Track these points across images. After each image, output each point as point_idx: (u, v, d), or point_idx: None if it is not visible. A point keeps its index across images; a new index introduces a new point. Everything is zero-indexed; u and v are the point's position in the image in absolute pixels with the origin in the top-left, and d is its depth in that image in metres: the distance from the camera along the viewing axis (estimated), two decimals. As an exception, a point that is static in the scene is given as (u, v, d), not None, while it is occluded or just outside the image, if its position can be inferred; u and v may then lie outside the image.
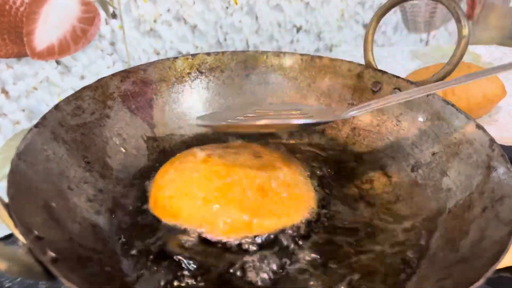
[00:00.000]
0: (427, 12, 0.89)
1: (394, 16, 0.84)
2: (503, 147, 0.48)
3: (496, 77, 0.55)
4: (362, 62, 0.47)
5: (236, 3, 0.65)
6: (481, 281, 0.25)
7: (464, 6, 0.95)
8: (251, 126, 0.37)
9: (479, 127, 0.38)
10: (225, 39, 0.67)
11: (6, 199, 0.28)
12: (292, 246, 0.34)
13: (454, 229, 0.34)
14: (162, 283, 0.31)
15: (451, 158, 0.39)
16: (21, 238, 0.25)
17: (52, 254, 0.26)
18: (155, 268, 0.32)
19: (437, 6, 0.87)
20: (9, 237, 0.40)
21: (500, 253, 0.27)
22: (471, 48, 0.73)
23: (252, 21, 0.68)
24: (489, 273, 0.25)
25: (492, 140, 0.36)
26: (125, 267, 0.32)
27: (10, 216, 0.26)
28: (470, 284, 0.25)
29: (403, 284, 0.31)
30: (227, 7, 0.64)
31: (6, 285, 0.39)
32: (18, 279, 0.39)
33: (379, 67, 0.46)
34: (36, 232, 0.27)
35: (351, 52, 0.73)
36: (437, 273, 0.31)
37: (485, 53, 0.71)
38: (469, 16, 0.96)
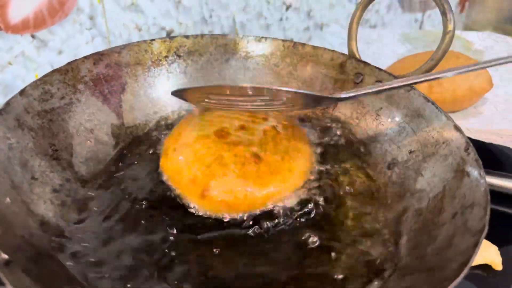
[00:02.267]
0: (423, -9, 0.86)
1: (388, -5, 0.81)
2: (482, 143, 0.48)
3: (484, 69, 0.54)
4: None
5: (223, -21, 0.63)
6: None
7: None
8: (235, 89, 0.35)
9: (457, 128, 0.37)
10: (210, 16, 0.64)
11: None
12: None
13: (423, 233, 0.34)
14: None
15: (427, 158, 0.38)
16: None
17: (5, 257, 0.25)
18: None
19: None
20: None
21: (463, 265, 0.27)
22: (463, 34, 0.71)
23: (239, -3, 0.65)
24: (451, 288, 0.25)
25: (468, 143, 0.35)
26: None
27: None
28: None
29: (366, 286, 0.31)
30: (213, -17, 0.62)
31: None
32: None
33: (368, 50, 0.45)
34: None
35: (341, 33, 0.71)
36: (401, 280, 0.30)
37: (476, 40, 0.69)
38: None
